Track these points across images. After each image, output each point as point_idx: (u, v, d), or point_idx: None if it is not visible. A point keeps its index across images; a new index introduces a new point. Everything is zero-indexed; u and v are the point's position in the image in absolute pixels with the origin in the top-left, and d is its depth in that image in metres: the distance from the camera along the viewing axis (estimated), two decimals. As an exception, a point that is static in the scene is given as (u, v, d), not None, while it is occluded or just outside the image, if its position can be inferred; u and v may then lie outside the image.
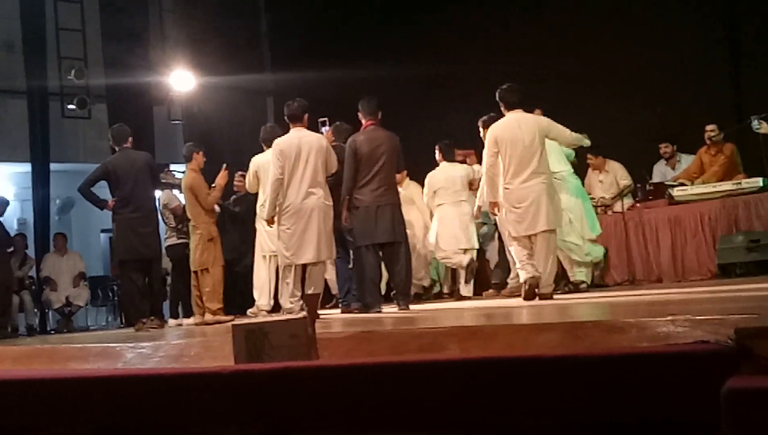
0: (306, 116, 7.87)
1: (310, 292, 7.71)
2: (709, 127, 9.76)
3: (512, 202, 7.51)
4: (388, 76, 11.92)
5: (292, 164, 7.61)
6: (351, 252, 8.54)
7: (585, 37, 11.65)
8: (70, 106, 13.91)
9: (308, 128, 7.92)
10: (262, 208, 8.54)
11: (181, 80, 13.76)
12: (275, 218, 7.77)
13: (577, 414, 2.74)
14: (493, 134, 7.60)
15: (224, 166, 9.15)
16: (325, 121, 8.68)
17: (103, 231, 14.16)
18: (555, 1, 12.06)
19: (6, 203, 11.45)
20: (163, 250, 9.67)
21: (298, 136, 7.74)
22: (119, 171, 8.76)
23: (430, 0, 13.03)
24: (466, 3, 12.66)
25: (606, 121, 11.19)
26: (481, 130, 8.94)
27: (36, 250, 13.06)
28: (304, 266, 7.75)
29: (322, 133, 8.40)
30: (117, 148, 9.00)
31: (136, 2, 14.48)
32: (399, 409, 2.93)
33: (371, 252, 7.94)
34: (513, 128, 7.54)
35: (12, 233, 13.28)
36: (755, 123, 9.06)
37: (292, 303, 7.68)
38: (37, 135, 13.57)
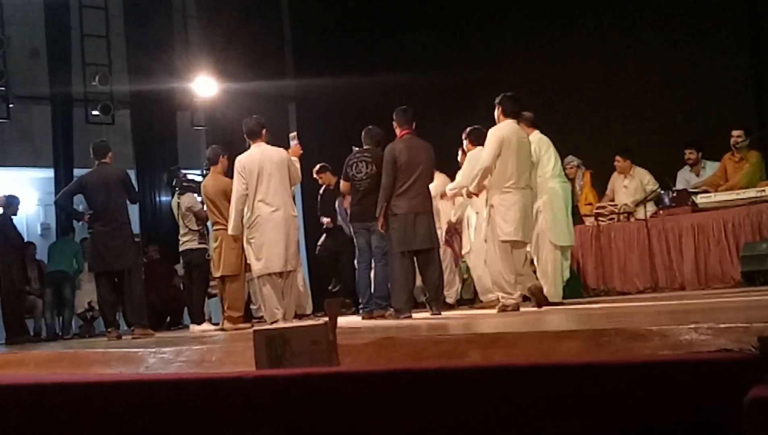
0: (264, 131, 8.30)
1: (285, 302, 8.09)
2: (735, 133, 9.63)
3: (508, 205, 7.46)
4: (409, 82, 11.95)
5: (255, 179, 8.02)
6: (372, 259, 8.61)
7: (610, 44, 11.64)
8: (94, 112, 14.05)
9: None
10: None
11: (204, 86, 13.83)
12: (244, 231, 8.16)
13: (598, 422, 2.73)
14: (499, 136, 7.51)
15: None
16: (294, 136, 8.88)
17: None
18: (580, 8, 12.03)
19: (17, 202, 11.53)
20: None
21: (259, 151, 8.18)
22: (91, 186, 8.99)
23: (455, 7, 13.02)
24: (491, 11, 12.65)
25: (630, 128, 11.17)
26: (464, 142, 9.03)
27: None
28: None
29: (290, 145, 8.65)
30: (96, 163, 9.15)
31: (160, 9, 14.59)
32: (419, 416, 2.92)
33: (407, 259, 8.02)
34: (518, 136, 7.57)
35: (35, 238, 13.39)
36: None
37: (275, 311, 8.04)
38: (61, 141, 13.69)
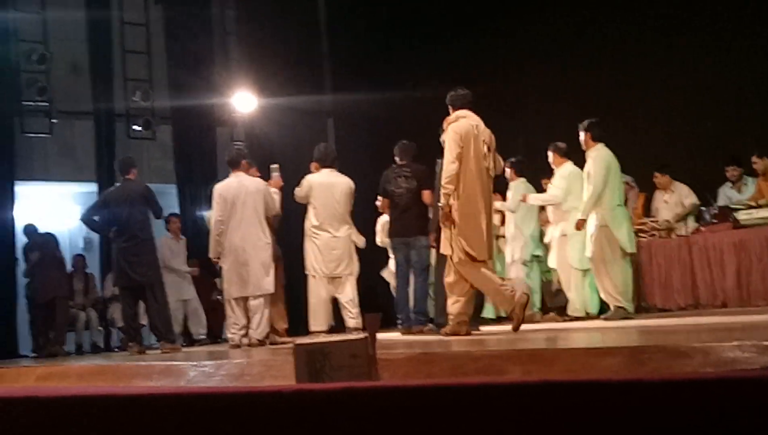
0: (244, 162, 8.62)
1: (253, 326, 8.35)
2: (752, 159, 9.69)
3: (621, 221, 8.33)
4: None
5: (230, 207, 8.33)
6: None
7: (652, 58, 11.53)
8: (136, 127, 14.20)
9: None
10: (311, 229, 8.69)
11: (243, 102, 13.93)
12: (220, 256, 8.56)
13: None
14: (607, 163, 8.31)
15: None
16: (276, 168, 9.03)
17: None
18: (619, 17, 11.95)
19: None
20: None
21: (236, 180, 8.50)
22: (114, 202, 9.17)
23: (491, 19, 13.02)
24: (527, 25, 12.62)
25: (672, 143, 11.06)
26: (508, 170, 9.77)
27: (101, 269, 13.26)
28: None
29: (272, 177, 8.92)
30: (122, 179, 9.39)
31: (200, 25, 14.73)
32: (458, 431, 2.91)
33: None
34: (614, 158, 8.43)
35: (78, 252, 13.54)
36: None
37: (233, 334, 8.45)
38: (103, 155, 13.83)
